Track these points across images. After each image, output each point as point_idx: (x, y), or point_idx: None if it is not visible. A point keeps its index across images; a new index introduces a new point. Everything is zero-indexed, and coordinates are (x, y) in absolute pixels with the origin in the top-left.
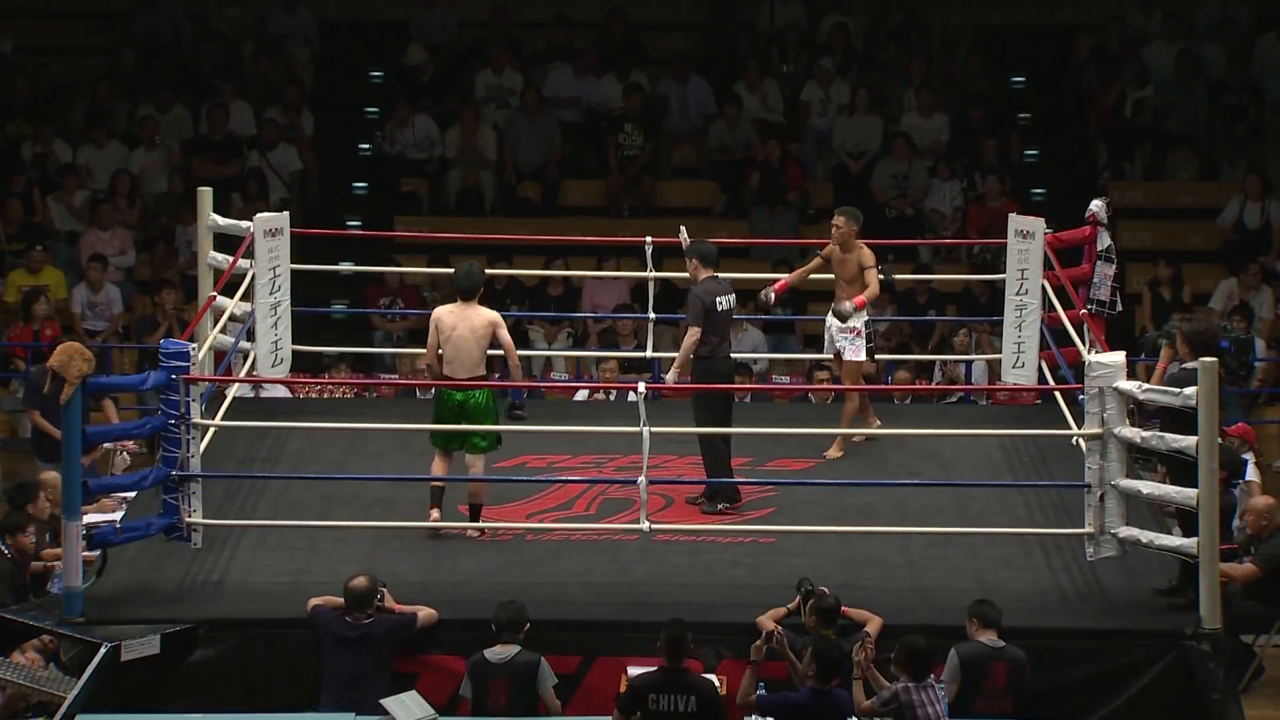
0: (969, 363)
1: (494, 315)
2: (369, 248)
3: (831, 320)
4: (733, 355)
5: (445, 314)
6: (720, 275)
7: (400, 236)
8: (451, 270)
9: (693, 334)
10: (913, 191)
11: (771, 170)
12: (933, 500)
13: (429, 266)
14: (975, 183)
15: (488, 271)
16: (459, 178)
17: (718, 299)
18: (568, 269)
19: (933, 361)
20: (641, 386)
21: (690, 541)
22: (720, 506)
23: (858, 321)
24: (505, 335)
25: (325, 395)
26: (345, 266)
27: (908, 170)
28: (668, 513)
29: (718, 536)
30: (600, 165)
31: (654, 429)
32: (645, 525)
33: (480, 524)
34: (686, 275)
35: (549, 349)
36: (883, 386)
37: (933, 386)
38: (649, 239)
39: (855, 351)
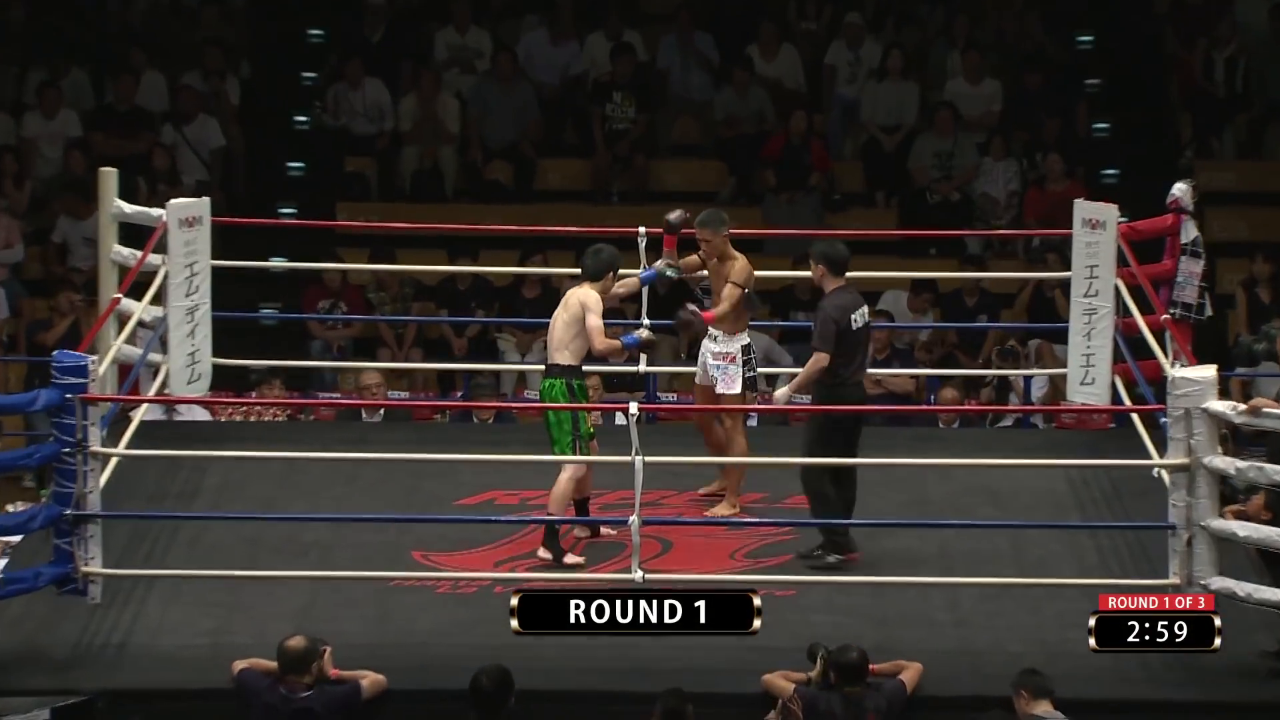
0: (1028, 378)
1: (585, 295)
2: (306, 240)
3: (705, 346)
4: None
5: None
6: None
7: (344, 227)
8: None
9: (819, 359)
10: (959, 173)
11: (791, 148)
12: (985, 544)
13: (371, 262)
14: (1034, 162)
15: (452, 269)
16: (414, 156)
17: (852, 316)
18: (545, 265)
19: (984, 377)
20: (633, 407)
21: None
22: (831, 559)
23: (733, 346)
24: (591, 319)
25: (253, 418)
26: (277, 263)
27: (953, 147)
28: (665, 559)
29: (723, 588)
30: (584, 141)
31: (649, 458)
32: (637, 575)
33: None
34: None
35: (522, 362)
36: (925, 407)
37: (984, 406)
38: (642, 229)
39: (728, 383)
